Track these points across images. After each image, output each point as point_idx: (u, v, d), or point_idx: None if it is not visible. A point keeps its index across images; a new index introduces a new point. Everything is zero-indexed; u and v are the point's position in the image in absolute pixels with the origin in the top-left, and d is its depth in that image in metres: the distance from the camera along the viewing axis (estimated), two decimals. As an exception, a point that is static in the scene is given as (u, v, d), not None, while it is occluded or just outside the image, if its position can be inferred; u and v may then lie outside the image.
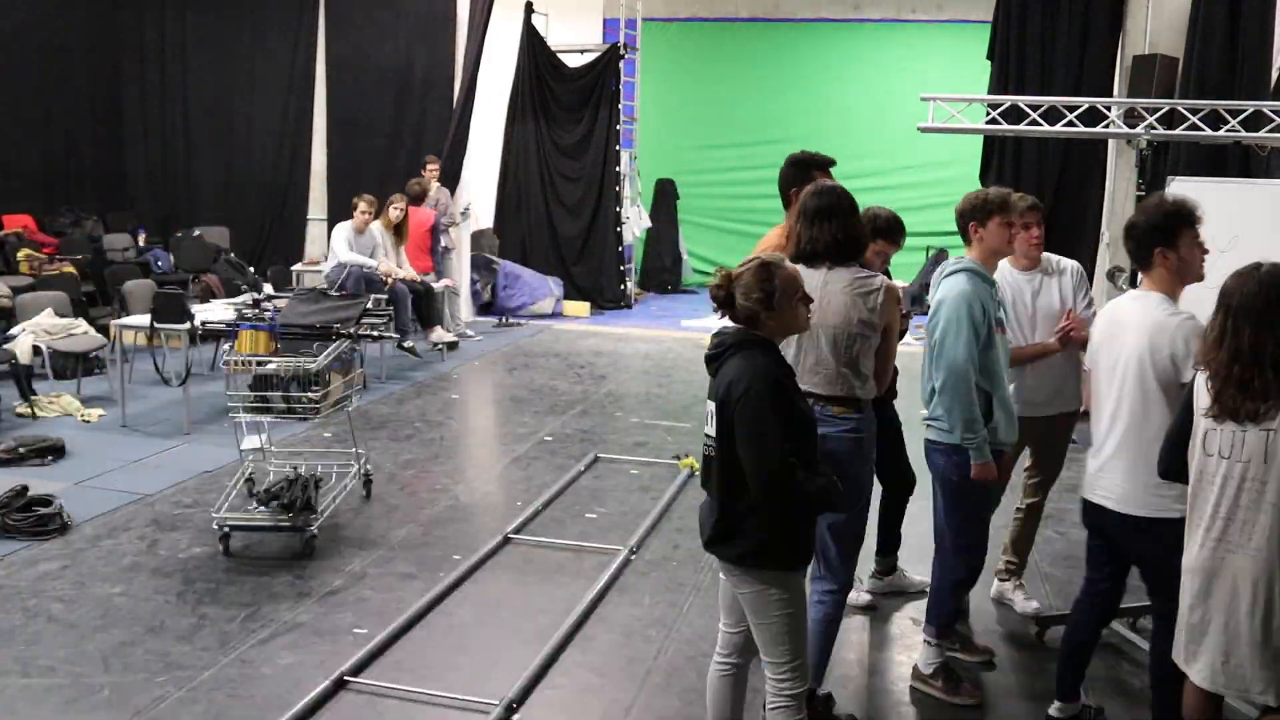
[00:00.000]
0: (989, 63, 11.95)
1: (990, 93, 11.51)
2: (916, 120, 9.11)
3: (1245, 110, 8.05)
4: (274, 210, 13.81)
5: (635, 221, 15.31)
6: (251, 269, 12.12)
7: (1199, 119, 8.23)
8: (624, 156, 14.94)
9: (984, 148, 12.14)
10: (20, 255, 11.05)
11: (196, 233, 12.15)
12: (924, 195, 16.88)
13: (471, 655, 4.64)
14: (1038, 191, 11.71)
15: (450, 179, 13.09)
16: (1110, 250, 11.54)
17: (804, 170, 4.57)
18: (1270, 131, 8.05)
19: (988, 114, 9.53)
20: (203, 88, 13.73)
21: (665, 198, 16.86)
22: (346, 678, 4.35)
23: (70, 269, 10.93)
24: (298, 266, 12.77)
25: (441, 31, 13.44)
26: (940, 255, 16.01)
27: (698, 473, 7.20)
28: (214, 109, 13.65)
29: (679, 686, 4.40)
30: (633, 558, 5.71)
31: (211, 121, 13.70)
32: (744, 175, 17.05)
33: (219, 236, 12.69)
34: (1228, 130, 8.07)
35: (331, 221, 13.58)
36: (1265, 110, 8.07)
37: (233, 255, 12.25)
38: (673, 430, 8.43)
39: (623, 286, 14.96)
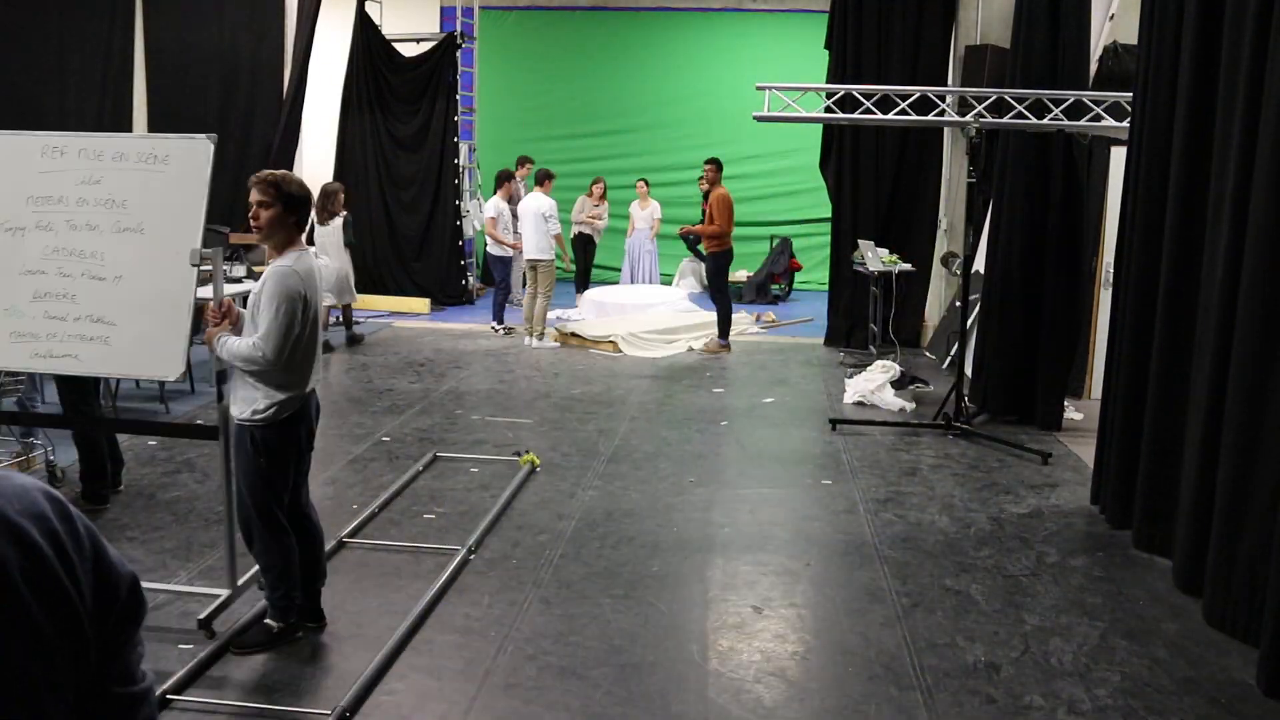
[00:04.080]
0: (828, 52, 12.13)
1: (828, 82, 11.69)
2: (755, 109, 9.16)
3: (1067, 100, 8.31)
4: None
5: (476, 215, 15.10)
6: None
7: (1024, 108, 8.47)
8: (463, 149, 14.72)
9: (823, 137, 12.33)
10: None
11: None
12: (766, 185, 17.11)
13: (304, 665, 4.45)
14: (876, 180, 12.02)
15: (282, 173, 12.67)
16: (946, 237, 11.85)
17: None
18: (1089, 120, 8.33)
19: (823, 103, 9.66)
20: (6, 77, 12.92)
21: (507, 191, 16.65)
22: (170, 696, 4.11)
23: None
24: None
25: (270, 18, 13.01)
26: (784, 244, 16.23)
27: (539, 468, 7.14)
28: (20, 100, 12.85)
29: (518, 686, 4.29)
30: (471, 557, 5.57)
31: (18, 119, 12.87)
32: (586, 166, 16.98)
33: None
34: (1051, 119, 8.32)
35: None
36: (1085, 100, 8.35)
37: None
38: (514, 427, 8.31)
39: (464, 282, 14.74)
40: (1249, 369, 4.73)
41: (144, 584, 3.94)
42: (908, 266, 11.30)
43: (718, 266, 11.92)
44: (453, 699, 4.21)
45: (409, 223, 14.51)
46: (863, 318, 11.91)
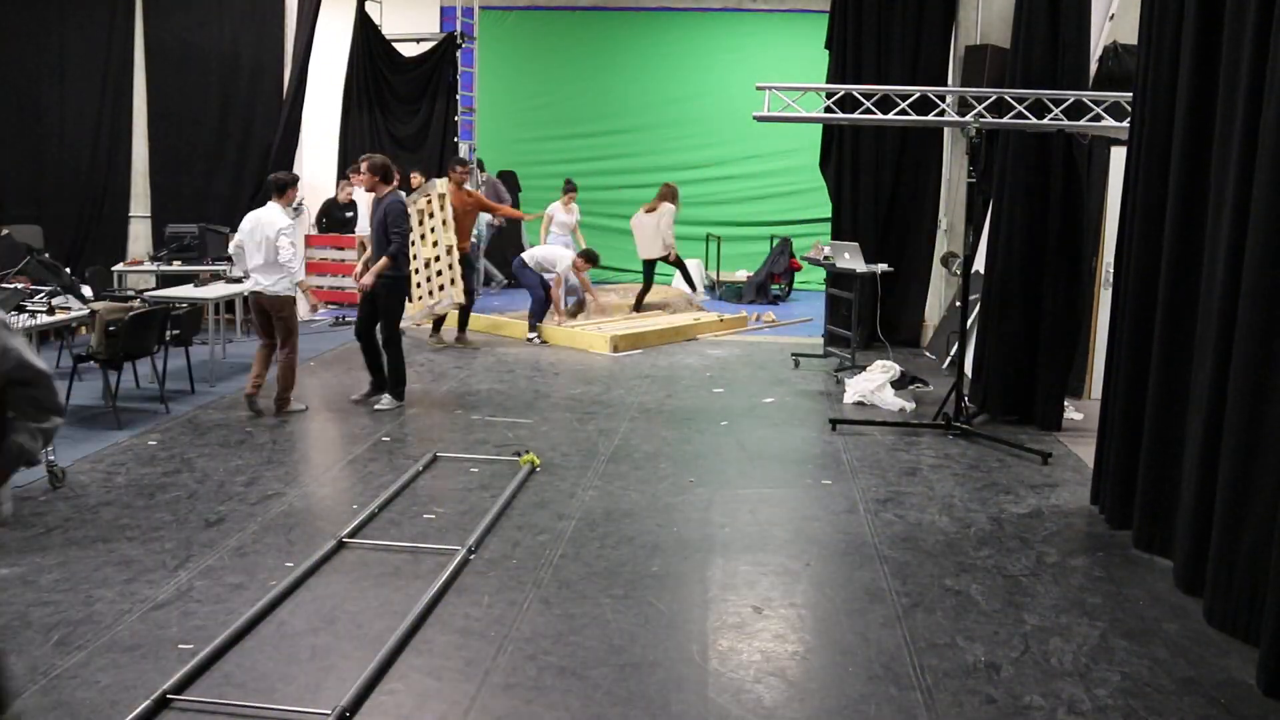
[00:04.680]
0: (828, 52, 12.14)
1: (828, 82, 11.70)
2: (755, 109, 9.15)
3: (1067, 100, 8.31)
4: (92, 207, 13.04)
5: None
6: (68, 270, 11.49)
7: (1024, 108, 8.46)
8: (463, 148, 14.71)
9: (823, 136, 12.33)
10: None
11: (4, 231, 11.49)
12: (766, 184, 17.12)
13: (304, 665, 4.45)
14: (876, 180, 12.01)
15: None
16: (947, 237, 11.84)
17: None
18: (1089, 120, 8.33)
19: (823, 103, 9.65)
20: (7, 76, 12.92)
21: (507, 190, 16.67)
22: (170, 695, 4.11)
23: None
24: (120, 267, 12.19)
25: (270, 17, 12.99)
26: (784, 243, 16.23)
27: (539, 468, 7.14)
28: (20, 99, 12.85)
29: (518, 685, 4.29)
30: (471, 557, 5.57)
31: (18, 113, 12.88)
32: (586, 166, 17.00)
33: (31, 235, 11.99)
34: (1051, 119, 8.31)
35: (156, 218, 13.01)
36: (1085, 100, 8.34)
37: (46, 255, 11.59)
38: (514, 427, 8.31)
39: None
40: (1249, 368, 4.73)
41: (143, 585, 3.91)
42: (884, 266, 11.21)
43: None
44: (453, 699, 4.20)
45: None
46: (844, 318, 11.82)
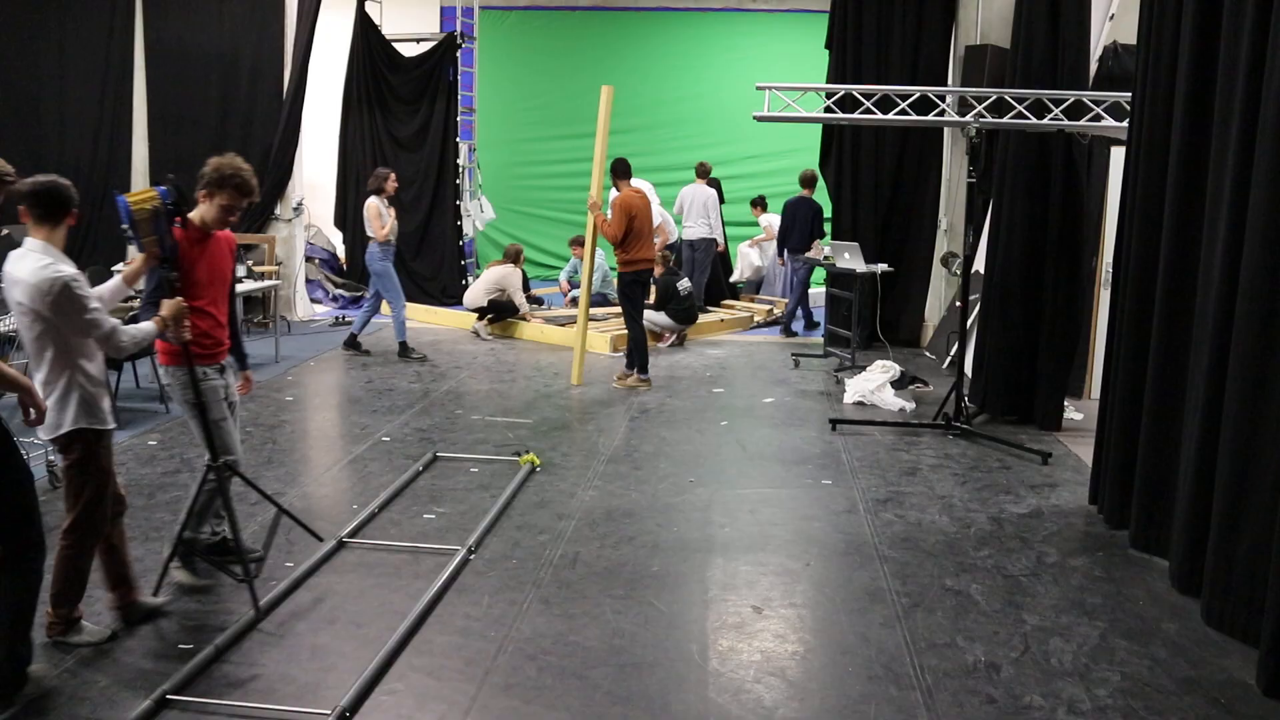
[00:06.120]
0: (828, 52, 12.14)
1: (829, 82, 11.70)
2: (755, 109, 9.15)
3: (1067, 100, 8.31)
4: (92, 208, 13.05)
5: (477, 215, 15.09)
6: (69, 269, 11.49)
7: (1024, 108, 8.46)
8: (463, 148, 14.71)
9: (823, 137, 12.33)
10: None
11: (4, 231, 11.49)
12: (766, 185, 17.11)
13: (304, 665, 4.45)
14: (876, 180, 12.01)
15: (281, 173, 12.67)
16: (947, 237, 11.84)
17: None
18: (1089, 120, 8.33)
19: (823, 103, 9.65)
20: (7, 76, 12.92)
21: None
22: (170, 696, 4.11)
23: None
24: (119, 267, 12.18)
25: (270, 18, 13.00)
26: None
27: (539, 468, 7.14)
28: (20, 99, 12.86)
29: (518, 685, 4.29)
30: (471, 557, 5.58)
31: (18, 114, 12.89)
32: (586, 166, 16.91)
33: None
34: (1051, 119, 8.31)
35: (156, 219, 13.01)
36: (1085, 100, 8.34)
37: (47, 255, 11.59)
38: (514, 427, 8.31)
39: (464, 281, 14.72)
40: (1247, 368, 4.73)
41: (144, 585, 3.89)
42: (884, 266, 11.22)
43: (622, 289, 10.04)
44: (453, 699, 4.20)
45: (409, 222, 14.48)
46: (844, 318, 11.83)
